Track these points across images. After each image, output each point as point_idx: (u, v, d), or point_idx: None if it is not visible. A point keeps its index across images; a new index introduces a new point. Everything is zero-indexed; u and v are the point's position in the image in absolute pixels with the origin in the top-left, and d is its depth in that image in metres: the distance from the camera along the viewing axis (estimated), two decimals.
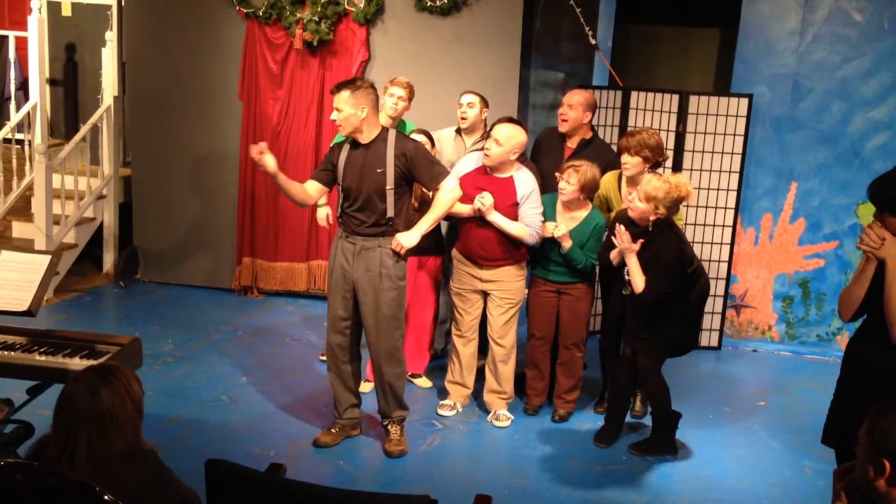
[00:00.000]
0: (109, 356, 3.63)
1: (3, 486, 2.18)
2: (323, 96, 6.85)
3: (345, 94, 4.28)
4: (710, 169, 6.45)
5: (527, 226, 4.82)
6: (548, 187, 5.05)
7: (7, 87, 8.69)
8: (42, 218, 6.80)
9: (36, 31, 7.40)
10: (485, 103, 5.49)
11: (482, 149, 4.95)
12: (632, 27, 7.04)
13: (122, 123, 7.65)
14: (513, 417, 5.12)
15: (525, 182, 4.87)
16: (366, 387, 5.20)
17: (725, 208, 6.50)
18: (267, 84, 6.97)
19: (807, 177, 6.54)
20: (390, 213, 4.37)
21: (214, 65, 7.09)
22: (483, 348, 5.23)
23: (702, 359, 6.38)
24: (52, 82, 8.84)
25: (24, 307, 3.68)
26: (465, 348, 5.16)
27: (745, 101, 6.35)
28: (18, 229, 7.40)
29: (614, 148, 5.48)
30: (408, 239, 4.40)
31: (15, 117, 7.60)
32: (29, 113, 7.51)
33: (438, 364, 5.71)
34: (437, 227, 5.03)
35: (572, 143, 5.37)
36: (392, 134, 4.42)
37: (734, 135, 6.39)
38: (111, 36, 7.52)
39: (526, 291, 5.16)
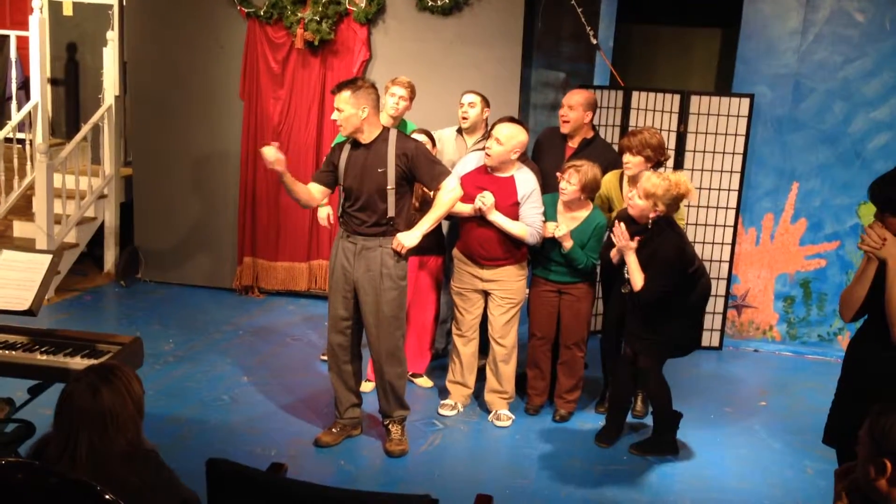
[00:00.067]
0: (110, 356, 3.63)
1: (5, 486, 2.19)
2: (324, 96, 6.86)
3: (346, 93, 4.27)
4: (712, 169, 6.45)
5: (528, 225, 4.83)
6: (549, 187, 5.05)
7: (8, 86, 8.69)
8: (43, 217, 6.80)
9: (37, 30, 7.40)
10: (486, 103, 5.48)
11: (483, 148, 4.95)
12: (633, 27, 7.04)
13: (124, 123, 7.66)
14: (514, 417, 5.12)
15: (526, 181, 4.87)
16: (367, 386, 5.20)
17: (727, 208, 6.50)
18: (268, 84, 6.98)
19: (808, 177, 6.54)
20: (391, 212, 4.37)
21: (215, 64, 7.10)
22: (484, 348, 5.23)
23: (703, 359, 6.38)
24: (54, 82, 8.85)
25: (25, 306, 3.68)
26: (466, 348, 5.16)
27: (746, 102, 6.35)
28: (20, 228, 7.41)
29: (615, 147, 5.48)
30: (409, 239, 4.40)
31: (16, 117, 7.60)
32: (30, 112, 7.51)
33: (439, 364, 5.72)
34: (439, 227, 5.03)
35: (574, 143, 5.37)
36: (393, 134, 4.42)
37: (735, 135, 6.39)
38: (112, 35, 7.52)
39: (527, 291, 5.16)
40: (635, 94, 6.49)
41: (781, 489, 4.54)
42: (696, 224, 6.46)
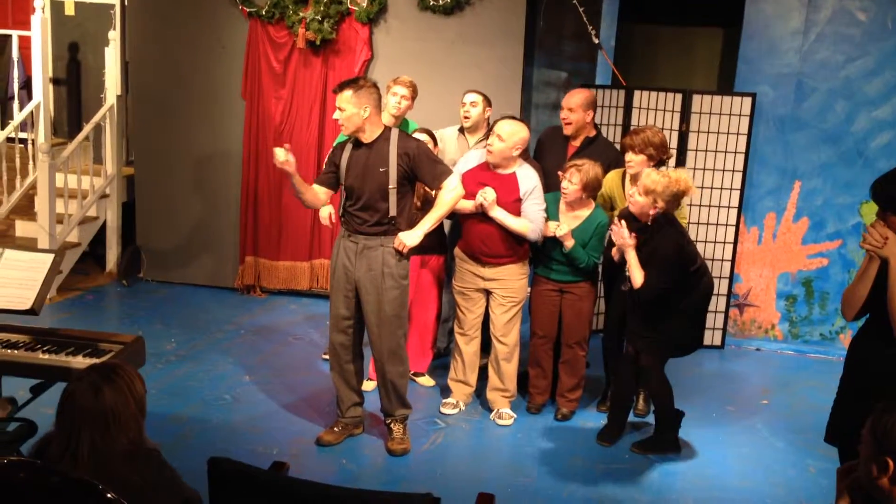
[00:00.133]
0: (112, 355, 3.64)
1: (6, 485, 2.18)
2: (326, 95, 6.86)
3: (347, 93, 4.27)
4: (714, 168, 6.45)
5: (530, 221, 4.82)
6: (551, 186, 5.04)
7: (10, 86, 8.70)
8: (45, 217, 6.81)
9: (39, 30, 7.40)
10: (488, 102, 5.48)
11: (485, 146, 4.95)
12: (635, 26, 7.04)
13: (126, 122, 7.66)
14: (515, 416, 5.13)
15: (528, 178, 4.86)
16: (368, 385, 5.20)
17: (729, 207, 6.49)
18: (270, 83, 6.98)
19: (810, 176, 6.53)
20: (393, 212, 4.37)
21: (217, 64, 7.10)
22: (486, 347, 5.23)
23: (705, 357, 6.38)
24: (56, 81, 8.85)
25: (27, 306, 3.68)
26: (468, 346, 5.16)
27: (748, 101, 6.35)
28: (22, 228, 7.41)
29: (617, 146, 5.48)
30: (410, 238, 4.40)
31: (18, 116, 7.61)
32: (32, 112, 7.51)
33: (441, 363, 5.71)
34: (440, 226, 5.04)
35: (576, 142, 5.36)
36: (395, 133, 4.42)
37: (737, 134, 6.39)
38: (114, 35, 7.52)
39: (528, 290, 5.16)
40: (637, 93, 6.48)
41: (784, 488, 4.54)
42: (699, 223, 6.46)
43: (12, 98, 8.37)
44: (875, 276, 3.35)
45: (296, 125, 6.99)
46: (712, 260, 6.46)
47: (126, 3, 7.35)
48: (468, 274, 5.03)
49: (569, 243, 4.84)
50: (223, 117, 7.16)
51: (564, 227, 4.82)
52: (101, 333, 3.94)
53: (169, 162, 7.29)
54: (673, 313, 4.52)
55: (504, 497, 4.12)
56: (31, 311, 3.68)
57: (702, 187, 6.42)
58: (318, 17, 6.68)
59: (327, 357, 5.06)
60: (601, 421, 5.08)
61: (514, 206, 4.83)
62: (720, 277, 6.45)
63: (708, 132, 6.41)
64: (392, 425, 4.69)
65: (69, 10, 8.48)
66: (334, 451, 4.64)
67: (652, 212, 4.44)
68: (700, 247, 6.04)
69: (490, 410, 5.17)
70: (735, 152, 6.41)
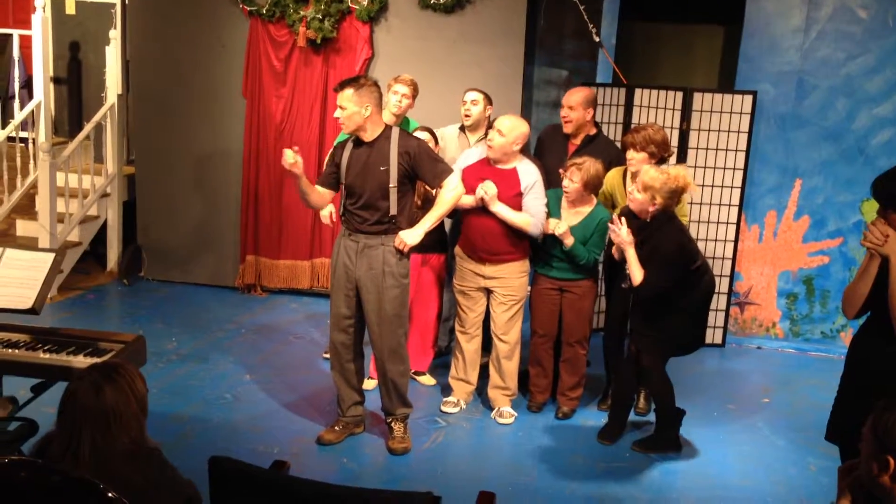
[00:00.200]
0: (113, 354, 3.64)
1: (8, 484, 2.19)
2: (326, 94, 6.86)
3: (348, 91, 4.27)
4: (715, 166, 6.44)
5: (531, 216, 4.82)
6: (552, 184, 5.04)
7: (11, 85, 8.71)
8: (46, 216, 6.81)
9: (40, 29, 7.40)
10: (488, 101, 5.48)
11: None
12: (635, 24, 7.03)
13: (126, 121, 7.66)
14: (516, 414, 5.13)
15: (528, 173, 4.86)
16: (369, 384, 5.20)
17: (729, 205, 6.49)
18: (270, 82, 6.98)
19: (811, 174, 6.53)
20: (393, 210, 4.37)
21: (218, 63, 7.10)
22: (487, 345, 5.23)
23: (706, 356, 6.37)
24: (56, 80, 8.85)
25: (27, 305, 3.68)
26: (469, 345, 5.15)
27: (749, 99, 6.34)
28: (23, 227, 7.42)
29: (618, 145, 5.47)
30: (411, 237, 4.40)
31: (19, 115, 7.61)
32: (33, 111, 7.51)
33: (442, 361, 5.71)
34: (441, 225, 5.04)
35: (576, 140, 5.36)
36: (395, 132, 4.41)
37: (738, 132, 6.39)
38: (115, 34, 7.52)
39: (529, 288, 5.16)
40: (638, 91, 6.48)
41: (784, 486, 4.54)
42: (699, 221, 6.46)
43: (13, 97, 8.38)
44: (876, 273, 3.34)
45: (296, 124, 6.99)
46: (713, 258, 6.45)
47: (127, 2, 7.35)
48: (468, 273, 5.03)
49: (568, 241, 4.84)
50: (224, 116, 7.17)
51: (563, 224, 4.82)
52: (101, 333, 3.94)
53: (170, 161, 7.29)
54: (674, 312, 4.51)
55: (505, 496, 4.12)
56: (32, 311, 3.68)
57: (702, 185, 6.41)
58: (319, 16, 6.68)
59: (328, 356, 5.06)
60: (602, 419, 5.08)
61: (515, 201, 4.82)
62: (721, 276, 6.45)
63: (709, 130, 6.40)
64: (393, 424, 4.69)
65: (70, 9, 8.47)
66: (335, 450, 4.64)
67: (651, 209, 4.44)
68: (701, 245, 6.05)
69: (491, 409, 5.17)
70: (736, 150, 6.41)
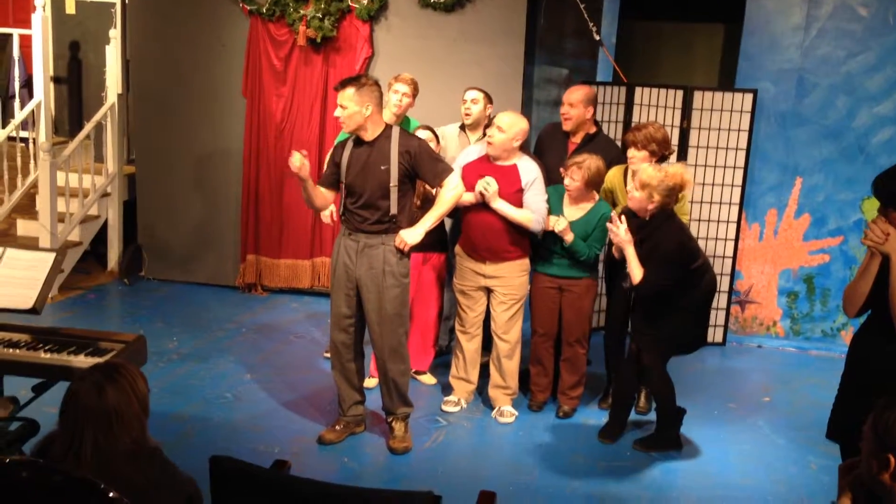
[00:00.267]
0: (114, 354, 3.64)
1: (9, 483, 2.19)
2: (327, 93, 6.86)
3: (349, 91, 4.27)
4: (715, 165, 6.44)
5: (532, 212, 4.81)
6: (552, 183, 5.03)
7: (11, 85, 8.70)
8: (46, 216, 6.81)
9: (40, 28, 7.40)
10: (489, 100, 5.48)
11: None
12: (635, 23, 7.03)
13: (126, 121, 7.66)
14: (517, 413, 5.13)
15: (529, 169, 4.86)
16: (370, 382, 5.20)
17: (730, 204, 6.49)
18: (270, 81, 6.98)
19: (811, 172, 6.52)
20: (394, 210, 4.37)
21: (218, 62, 7.10)
22: (487, 344, 5.23)
23: (706, 355, 6.37)
24: (57, 80, 8.85)
25: (28, 305, 3.68)
26: (469, 344, 5.15)
27: (749, 97, 6.34)
28: (23, 227, 7.42)
29: (619, 143, 5.47)
30: (412, 236, 4.40)
31: (19, 115, 7.61)
32: (33, 111, 7.52)
33: (443, 361, 5.71)
34: (441, 224, 5.04)
35: (576, 139, 5.35)
36: (396, 131, 4.41)
37: (738, 130, 6.39)
38: (115, 34, 7.53)
39: (529, 287, 5.16)
40: (638, 89, 6.48)
41: (785, 485, 4.54)
42: (700, 220, 6.46)
43: (13, 97, 8.37)
44: (876, 272, 3.34)
45: (297, 123, 6.99)
46: (713, 256, 6.45)
47: (127, 1, 7.35)
48: (469, 272, 5.03)
49: (568, 237, 4.83)
50: (224, 115, 7.17)
51: (563, 221, 4.81)
52: (102, 332, 3.94)
53: (170, 160, 7.30)
54: (674, 311, 4.51)
55: (505, 495, 4.13)
56: (33, 311, 3.68)
57: (703, 184, 6.41)
58: (319, 15, 6.68)
59: (328, 355, 5.06)
60: (603, 418, 5.08)
61: (516, 197, 4.82)
62: (721, 274, 6.45)
63: (709, 129, 6.40)
64: (393, 423, 4.69)
65: (70, 8, 8.47)
66: (336, 449, 4.64)
67: (650, 207, 4.44)
68: (701, 243, 6.04)
69: (491, 408, 5.17)
70: (736, 149, 6.41)
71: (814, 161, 6.50)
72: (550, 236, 4.90)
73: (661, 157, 4.89)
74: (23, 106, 7.86)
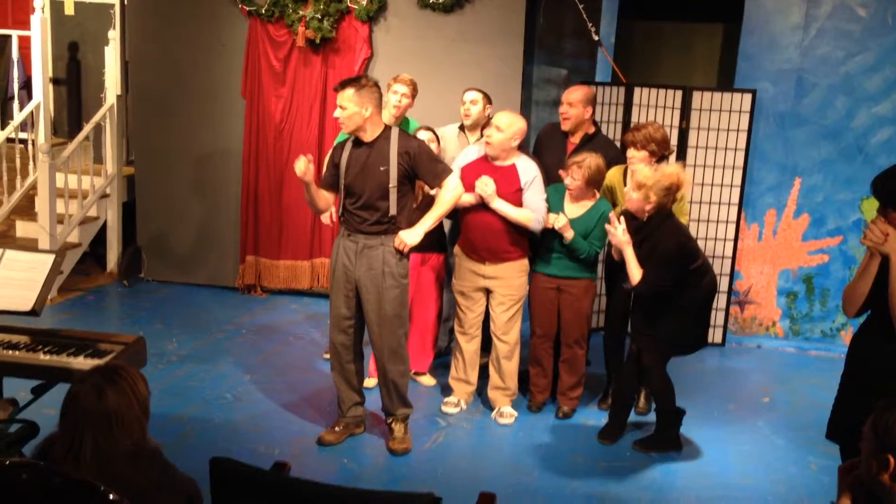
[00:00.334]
0: (113, 355, 3.64)
1: (9, 486, 2.19)
2: (326, 94, 6.86)
3: (349, 91, 4.27)
4: (714, 165, 6.45)
5: (531, 211, 4.81)
6: (551, 183, 5.03)
7: (10, 86, 8.70)
8: (46, 217, 6.80)
9: (39, 30, 7.40)
10: (488, 100, 5.48)
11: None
12: (635, 23, 7.03)
13: (126, 122, 7.66)
14: (516, 414, 5.12)
15: (528, 168, 4.86)
16: (369, 382, 5.19)
17: (729, 204, 6.49)
18: (270, 82, 6.98)
19: (811, 172, 6.53)
20: (393, 211, 4.37)
21: (217, 63, 7.10)
22: (486, 345, 5.23)
23: (706, 355, 6.37)
24: (56, 81, 8.85)
25: (28, 306, 3.68)
26: (469, 345, 5.15)
27: (748, 97, 6.34)
28: (22, 228, 7.41)
29: (618, 143, 5.47)
30: (411, 237, 4.40)
31: (18, 116, 7.61)
32: (32, 112, 7.52)
33: (442, 362, 5.71)
34: (440, 225, 5.03)
35: (575, 139, 5.35)
36: (395, 132, 4.41)
37: (738, 130, 6.39)
38: (114, 35, 7.52)
39: (527, 288, 5.15)
40: (637, 90, 6.48)
41: (785, 485, 4.54)
42: (699, 220, 6.46)
43: (12, 98, 8.37)
44: (876, 272, 3.35)
45: (296, 124, 6.99)
46: (713, 257, 6.45)
47: (126, 2, 7.35)
48: (468, 273, 5.03)
49: (568, 234, 4.83)
50: (223, 116, 7.16)
51: (562, 218, 4.81)
52: (102, 334, 3.94)
53: (169, 161, 7.29)
54: (674, 311, 4.51)
55: (505, 496, 4.12)
56: (32, 312, 3.68)
57: (702, 184, 6.42)
58: (318, 16, 6.68)
59: (328, 356, 5.06)
60: (602, 419, 5.08)
61: (515, 197, 4.82)
62: (721, 274, 6.44)
63: (708, 129, 6.40)
64: (393, 424, 4.69)
65: (69, 9, 8.47)
66: (335, 450, 4.64)
67: (647, 207, 4.44)
68: (700, 244, 6.03)
69: (491, 409, 5.17)
70: (735, 149, 6.41)
71: (813, 161, 6.50)
72: (550, 234, 4.90)
73: (660, 158, 4.89)
74: (22, 107, 7.86)
